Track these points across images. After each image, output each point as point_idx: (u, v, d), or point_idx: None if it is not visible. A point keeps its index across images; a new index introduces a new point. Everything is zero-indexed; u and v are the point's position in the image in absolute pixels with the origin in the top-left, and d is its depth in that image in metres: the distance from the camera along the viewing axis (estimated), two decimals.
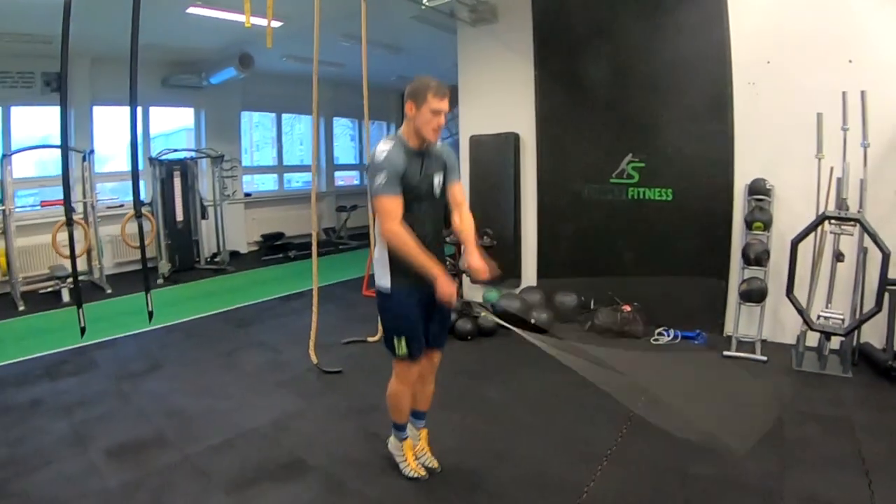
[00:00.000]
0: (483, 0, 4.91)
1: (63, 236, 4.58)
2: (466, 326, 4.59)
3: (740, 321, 3.99)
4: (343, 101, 9.29)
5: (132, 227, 4.97)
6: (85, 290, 6.44)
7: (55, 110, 6.79)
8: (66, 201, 3.57)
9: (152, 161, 7.20)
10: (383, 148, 2.34)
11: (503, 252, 5.22)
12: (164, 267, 7.23)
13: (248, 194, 9.12)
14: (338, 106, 9.91)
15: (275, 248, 8.77)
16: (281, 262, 8.32)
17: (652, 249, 4.51)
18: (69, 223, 3.60)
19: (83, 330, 3.62)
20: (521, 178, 5.22)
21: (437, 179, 2.46)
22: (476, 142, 5.44)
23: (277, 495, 2.59)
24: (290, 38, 6.75)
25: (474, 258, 2.49)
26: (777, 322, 4.02)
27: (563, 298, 4.85)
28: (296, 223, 9.24)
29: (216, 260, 7.97)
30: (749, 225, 3.90)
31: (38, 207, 6.42)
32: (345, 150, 11.65)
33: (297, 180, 10.44)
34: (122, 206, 7.47)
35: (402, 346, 2.47)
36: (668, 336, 4.28)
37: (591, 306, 4.71)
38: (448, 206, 2.57)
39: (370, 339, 4.62)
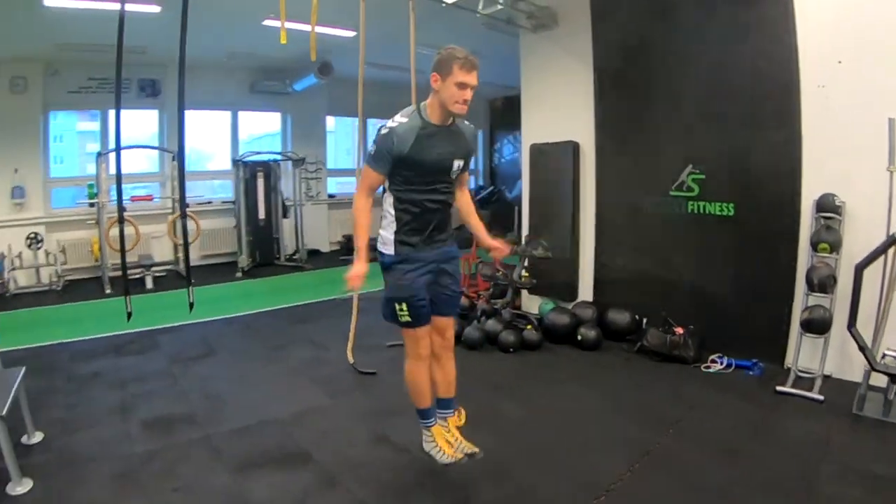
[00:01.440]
0: (541, 5, 4.80)
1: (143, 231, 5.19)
2: (510, 338, 4.47)
3: (802, 353, 3.54)
4: None
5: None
6: (169, 280, 7.14)
7: (150, 113, 7.59)
8: (119, 199, 3.94)
9: (236, 163, 7.75)
10: (393, 122, 2.28)
11: (559, 264, 5.06)
12: (244, 261, 7.75)
13: (331, 196, 9.55)
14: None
15: (352, 249, 9.07)
16: (349, 263, 8.59)
17: (711, 268, 4.15)
18: (121, 221, 3.96)
19: (129, 315, 3.97)
20: (581, 189, 5.02)
21: (458, 163, 2.36)
22: (537, 150, 5.32)
23: (270, 481, 2.68)
24: (368, 46, 7.02)
25: (489, 239, 2.57)
26: (844, 357, 3.50)
27: (615, 316, 4.60)
28: (378, 224, 9.53)
29: (294, 257, 8.40)
30: (814, 246, 3.46)
31: (129, 201, 7.10)
32: None
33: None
34: (209, 202, 8.14)
35: (403, 313, 2.41)
36: (721, 364, 3.90)
37: (643, 326, 4.43)
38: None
39: None
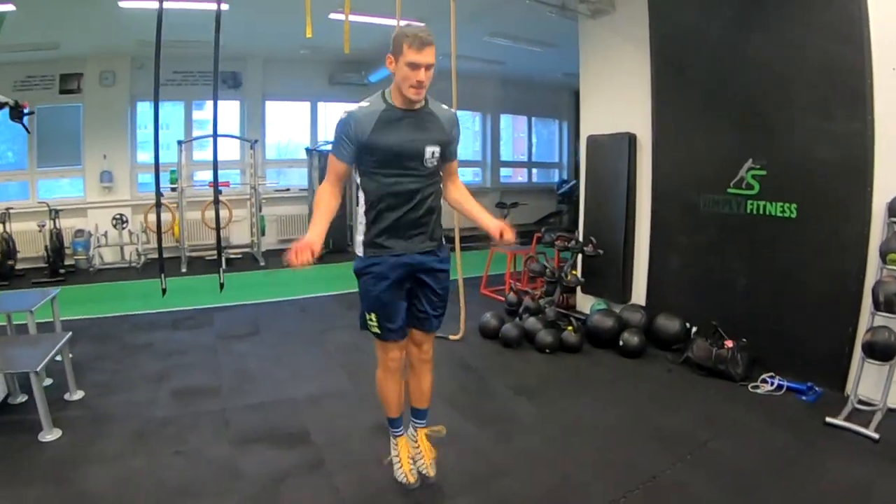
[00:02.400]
0: None
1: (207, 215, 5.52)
2: (547, 339, 4.27)
3: (865, 380, 3.01)
4: (510, 97, 9.38)
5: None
6: (244, 262, 7.59)
7: (231, 104, 8.11)
8: (157, 187, 4.21)
9: (309, 152, 8.08)
10: (354, 106, 2.12)
11: (610, 264, 4.79)
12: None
13: None
14: (504, 103, 10.00)
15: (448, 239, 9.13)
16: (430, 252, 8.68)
17: (769, 276, 3.67)
18: (157, 205, 4.27)
19: (164, 291, 4.33)
20: (637, 184, 4.69)
21: (431, 150, 2.12)
22: (593, 142, 5.04)
23: (262, 457, 2.75)
24: (439, 36, 7.03)
25: (493, 222, 2.27)
26: None
27: (664, 322, 4.25)
28: (451, 216, 9.59)
29: None
30: (883, 257, 2.95)
31: (206, 187, 7.66)
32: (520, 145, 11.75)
33: (464, 174, 10.85)
34: (287, 189, 8.54)
35: (373, 324, 2.25)
36: (771, 385, 3.45)
37: (692, 335, 4.06)
38: (439, 179, 2.27)
39: (452, 337, 4.57)
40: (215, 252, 7.16)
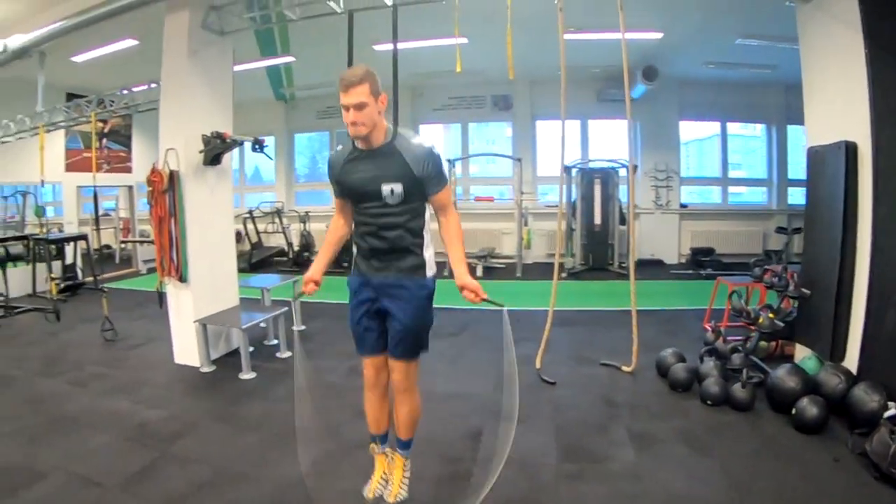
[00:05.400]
0: None
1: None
2: (712, 389, 3.62)
3: None
4: (795, 106, 7.68)
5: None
6: (506, 272, 8.29)
7: (501, 125, 8.86)
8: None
9: (567, 169, 8.25)
10: (333, 150, 2.37)
11: (820, 310, 3.70)
12: (570, 263, 8.25)
13: (683, 205, 8.92)
14: (791, 113, 8.23)
15: (698, 264, 8.33)
16: (690, 277, 7.89)
17: None
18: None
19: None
20: (859, 208, 3.48)
21: (389, 188, 2.19)
22: (814, 155, 3.89)
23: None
24: (705, 44, 6.42)
25: (461, 273, 2.25)
26: None
27: (861, 395, 3.06)
28: (732, 240, 8.52)
29: (623, 265, 8.36)
30: None
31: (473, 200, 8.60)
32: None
33: (744, 195, 9.38)
34: (556, 206, 8.88)
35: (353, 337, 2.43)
36: None
37: (882, 420, 2.85)
38: (417, 212, 2.31)
39: (624, 368, 4.31)
40: (474, 261, 8.22)
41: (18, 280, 6.94)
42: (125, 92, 5.28)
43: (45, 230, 7.13)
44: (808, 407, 3.17)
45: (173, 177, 4.34)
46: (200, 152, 4.44)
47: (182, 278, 4.42)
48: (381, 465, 2.55)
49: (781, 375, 3.46)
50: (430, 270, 2.37)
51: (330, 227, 2.55)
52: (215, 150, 4.52)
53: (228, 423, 3.48)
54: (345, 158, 2.29)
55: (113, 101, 5.28)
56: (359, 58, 7.23)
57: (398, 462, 2.54)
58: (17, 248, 6.25)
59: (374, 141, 2.21)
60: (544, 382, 4.08)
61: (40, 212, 7.04)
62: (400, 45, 6.60)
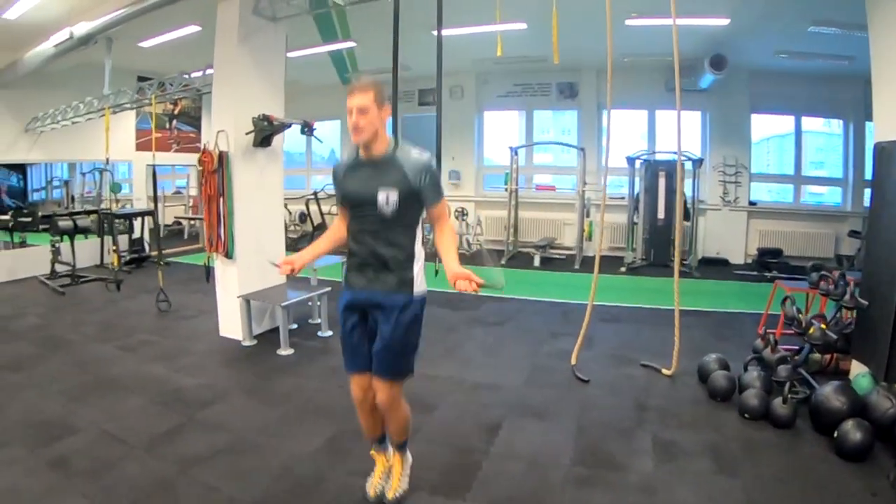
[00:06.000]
0: None
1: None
2: (751, 402, 3.37)
3: None
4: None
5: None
6: (565, 263, 8.17)
7: (568, 113, 8.60)
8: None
9: (630, 160, 7.91)
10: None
11: (879, 324, 3.33)
12: (630, 257, 7.96)
13: (753, 203, 8.37)
14: (869, 108, 7.46)
15: (764, 265, 7.81)
16: (754, 279, 7.41)
17: None
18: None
19: None
20: None
21: (384, 196, 2.20)
22: (881, 151, 3.50)
23: None
24: (776, 31, 5.97)
25: (451, 265, 2.18)
26: None
27: None
28: (801, 242, 7.93)
29: (684, 262, 7.97)
30: None
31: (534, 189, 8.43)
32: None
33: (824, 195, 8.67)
34: (623, 198, 8.57)
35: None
36: None
37: None
38: (409, 225, 2.30)
39: (664, 371, 4.13)
40: (533, 250, 8.10)
41: (88, 251, 7.51)
42: (186, 76, 5.53)
43: (119, 205, 7.66)
44: (852, 431, 2.88)
45: (222, 157, 4.52)
46: (247, 134, 4.59)
47: (228, 255, 4.62)
48: (381, 463, 2.61)
49: (827, 393, 3.18)
50: (419, 288, 2.31)
51: (331, 226, 2.56)
52: (264, 133, 4.66)
53: (256, 396, 3.63)
54: (347, 166, 2.35)
55: (172, 85, 5.55)
56: (416, 42, 7.32)
57: (397, 458, 2.59)
58: (84, 222, 6.73)
59: (376, 150, 2.25)
60: (577, 380, 3.98)
61: (116, 188, 7.54)
62: (460, 31, 6.62)
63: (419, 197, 2.25)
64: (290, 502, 2.54)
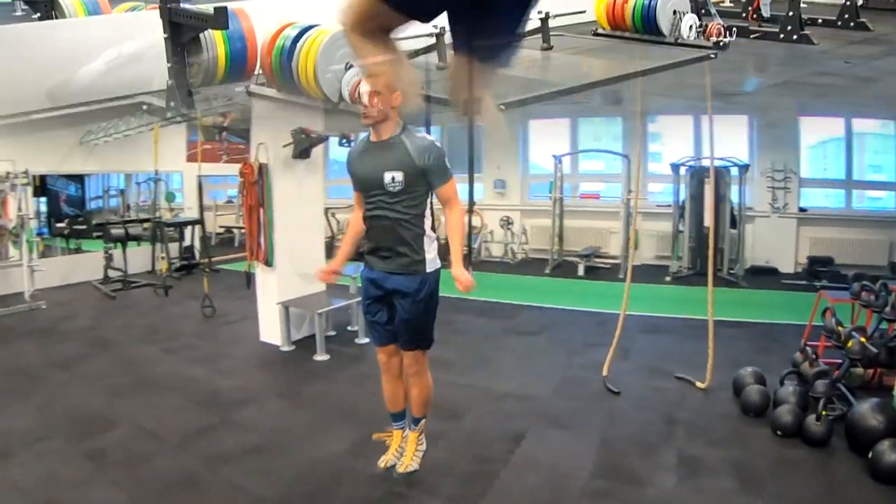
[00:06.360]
0: None
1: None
2: (784, 418, 3.24)
3: None
4: None
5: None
6: (609, 272, 8.04)
7: (612, 121, 8.45)
8: None
9: (674, 167, 7.72)
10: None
11: None
12: (675, 266, 7.76)
13: (803, 209, 8.02)
14: None
15: (814, 274, 7.45)
16: (803, 288, 7.07)
17: None
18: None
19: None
20: None
21: (391, 176, 2.31)
22: None
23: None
24: None
25: (456, 266, 2.36)
26: None
27: None
28: (853, 249, 7.52)
29: (731, 271, 7.71)
30: None
31: (578, 198, 8.32)
32: None
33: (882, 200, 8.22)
34: (669, 206, 8.34)
35: None
36: None
37: None
38: (416, 204, 2.40)
39: (698, 384, 4.02)
40: (577, 259, 8.00)
41: (141, 258, 7.90)
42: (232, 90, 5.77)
43: (172, 214, 8.07)
44: (888, 452, 2.74)
45: (262, 169, 4.72)
46: (284, 146, 4.78)
47: (268, 262, 4.81)
48: (396, 440, 2.75)
49: (863, 411, 3.04)
50: (431, 265, 2.46)
51: (349, 220, 2.72)
52: (302, 145, 4.84)
53: (289, 399, 3.79)
54: (359, 150, 2.48)
55: (216, 99, 5.81)
56: None
57: (412, 437, 2.73)
58: (136, 230, 7.14)
59: (384, 133, 2.37)
60: (608, 391, 3.93)
61: (171, 197, 7.97)
62: None
63: (425, 177, 2.36)
64: (310, 503, 2.64)
